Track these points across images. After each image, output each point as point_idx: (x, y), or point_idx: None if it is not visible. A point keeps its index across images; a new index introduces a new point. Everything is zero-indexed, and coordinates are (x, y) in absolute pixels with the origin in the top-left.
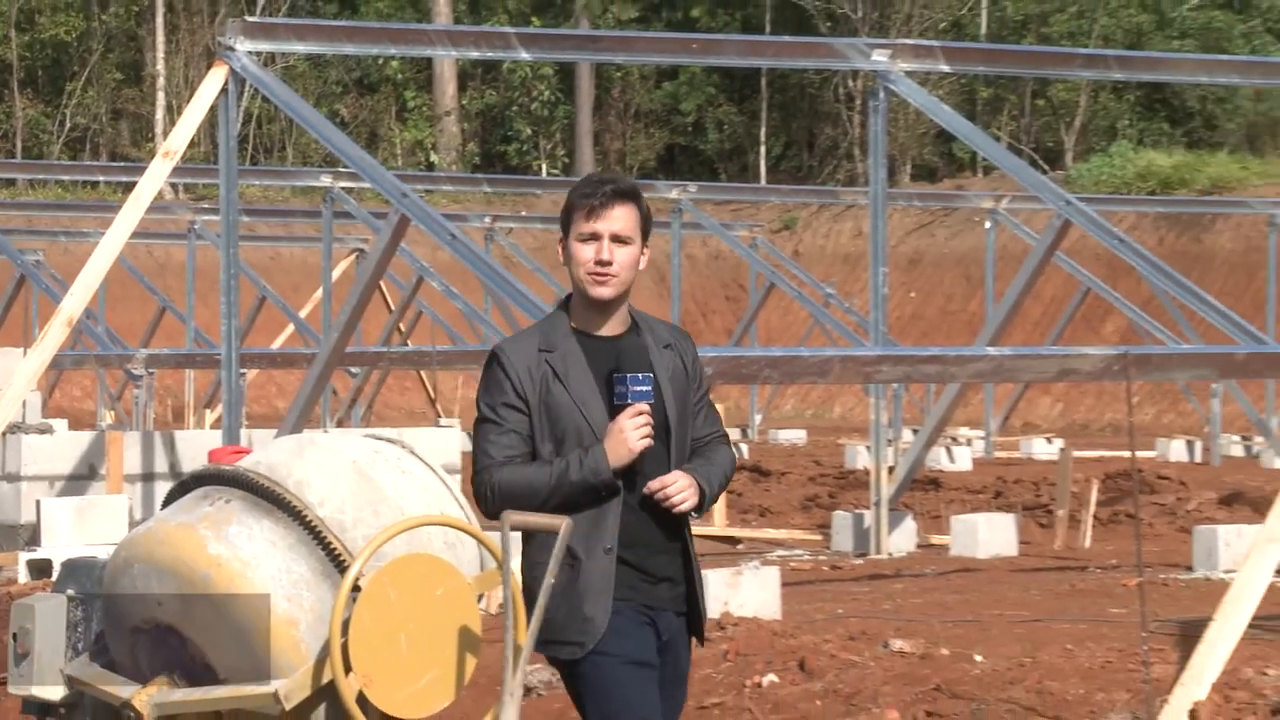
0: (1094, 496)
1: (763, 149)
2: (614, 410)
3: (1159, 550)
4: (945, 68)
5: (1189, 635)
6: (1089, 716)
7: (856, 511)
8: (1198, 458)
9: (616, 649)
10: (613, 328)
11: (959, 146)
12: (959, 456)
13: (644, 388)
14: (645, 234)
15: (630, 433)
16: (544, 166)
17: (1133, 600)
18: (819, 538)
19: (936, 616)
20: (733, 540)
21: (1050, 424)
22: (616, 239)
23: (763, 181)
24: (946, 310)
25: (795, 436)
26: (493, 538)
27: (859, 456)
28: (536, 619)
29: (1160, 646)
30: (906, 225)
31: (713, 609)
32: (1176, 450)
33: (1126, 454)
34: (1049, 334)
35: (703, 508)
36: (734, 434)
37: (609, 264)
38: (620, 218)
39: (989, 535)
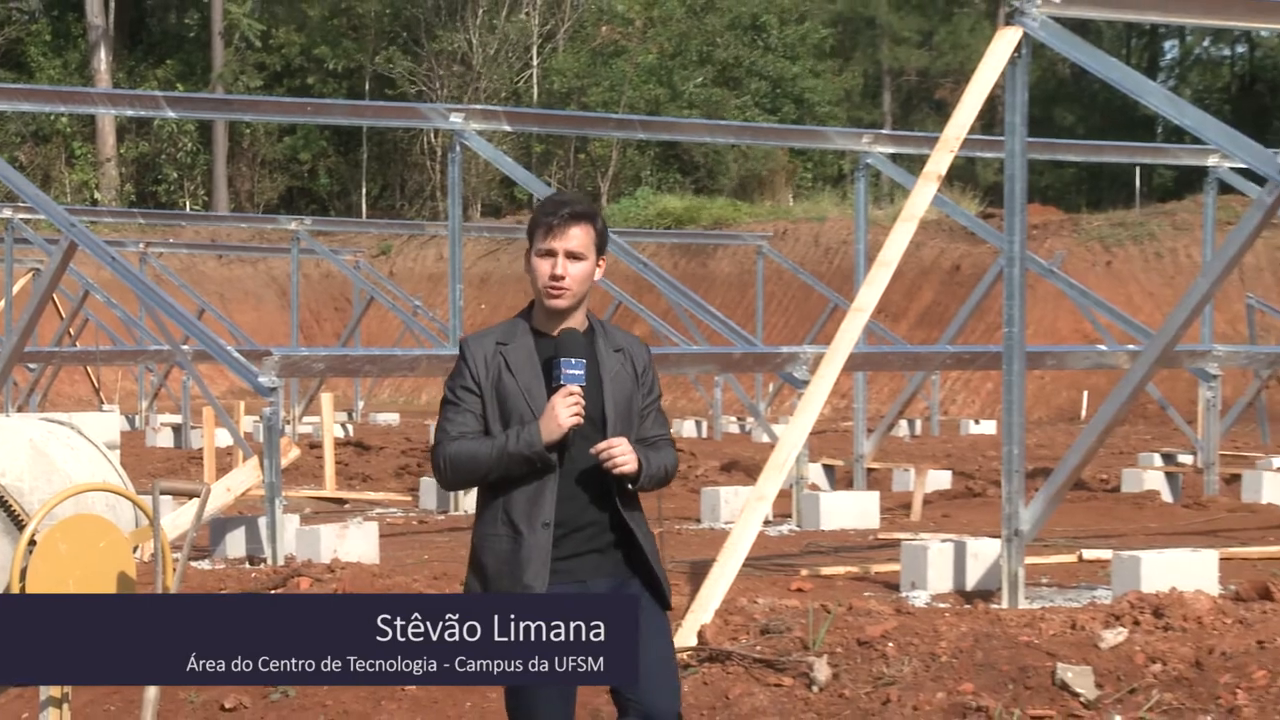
0: None
1: (364, 190)
2: (553, 393)
3: (676, 506)
4: (507, 127)
5: (698, 573)
6: None
7: None
8: (704, 434)
9: None
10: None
11: (519, 190)
12: None
13: (576, 371)
14: (601, 249)
15: (561, 410)
16: (188, 203)
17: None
18: (409, 499)
19: None
20: (340, 501)
21: None
22: (571, 255)
23: (364, 216)
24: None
25: (390, 419)
26: (145, 500)
27: None
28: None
29: (676, 582)
30: (478, 251)
31: (324, 556)
32: (688, 428)
33: None
34: None
35: (639, 480)
36: (340, 416)
37: (562, 279)
38: (575, 236)
39: None
